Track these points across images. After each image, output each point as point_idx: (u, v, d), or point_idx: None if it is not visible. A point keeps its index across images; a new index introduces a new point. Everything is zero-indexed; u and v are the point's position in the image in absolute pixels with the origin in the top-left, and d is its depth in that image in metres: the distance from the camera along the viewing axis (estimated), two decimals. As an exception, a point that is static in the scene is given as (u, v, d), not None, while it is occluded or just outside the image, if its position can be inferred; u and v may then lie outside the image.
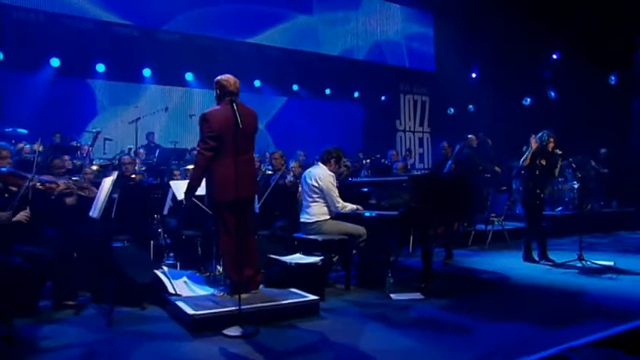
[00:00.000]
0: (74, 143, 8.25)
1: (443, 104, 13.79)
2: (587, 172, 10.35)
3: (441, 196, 5.08)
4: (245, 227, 4.24)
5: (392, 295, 4.76)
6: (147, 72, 10.57)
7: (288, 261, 4.73)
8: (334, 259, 5.42)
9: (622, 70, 11.81)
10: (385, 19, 13.42)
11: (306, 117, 12.21)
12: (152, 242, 5.87)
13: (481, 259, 6.85)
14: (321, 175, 5.21)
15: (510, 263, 6.47)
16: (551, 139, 6.29)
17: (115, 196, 4.47)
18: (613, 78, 11.92)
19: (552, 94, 12.81)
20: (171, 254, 6.21)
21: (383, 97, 13.60)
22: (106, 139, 9.17)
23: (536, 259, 6.46)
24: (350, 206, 5.20)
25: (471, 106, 13.59)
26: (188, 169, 6.36)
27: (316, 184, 5.18)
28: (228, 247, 4.18)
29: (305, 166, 9.37)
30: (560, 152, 6.41)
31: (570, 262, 6.17)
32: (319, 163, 5.39)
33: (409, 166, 13.38)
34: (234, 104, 3.88)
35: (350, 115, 13.30)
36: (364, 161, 10.80)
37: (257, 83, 11.85)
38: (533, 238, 6.53)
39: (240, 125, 3.77)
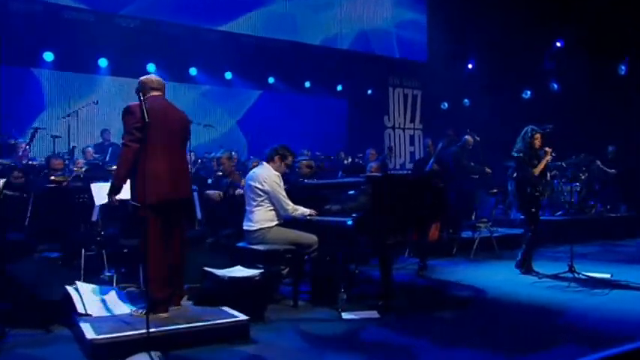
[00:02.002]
0: (11, 141, 7.95)
1: (436, 98, 13.49)
2: (592, 173, 10.08)
3: (403, 199, 4.77)
4: (172, 234, 4.04)
5: (343, 314, 4.46)
6: (103, 62, 10.26)
7: (221, 275, 4.42)
8: (284, 271, 5.10)
9: (633, 58, 11.54)
10: (373, 5, 13.06)
11: (283, 113, 11.92)
12: (84, 252, 5.56)
13: (462, 271, 6.57)
14: (265, 175, 4.93)
15: (493, 275, 6.18)
16: (537, 135, 5.97)
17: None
18: (623, 68, 11.66)
19: (555, 86, 12.52)
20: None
21: (369, 91, 13.28)
22: (53, 136, 8.87)
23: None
24: (301, 210, 4.91)
25: (466, 100, 13.30)
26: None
27: (260, 187, 4.88)
28: (151, 257, 3.94)
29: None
30: (549, 150, 6.09)
31: (561, 274, 5.85)
32: (263, 163, 5.15)
33: (398, 166, 13.18)
34: (141, 94, 3.73)
35: (332, 110, 12.99)
36: (345, 161, 10.58)
37: (228, 75, 11.57)
38: (534, 246, 6.24)
39: (147, 119, 3.56)
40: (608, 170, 10.22)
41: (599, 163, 10.15)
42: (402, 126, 13.73)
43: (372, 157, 8.76)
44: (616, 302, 4.78)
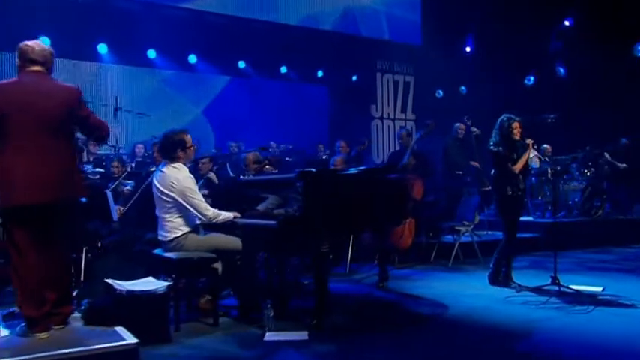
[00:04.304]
0: None
1: (430, 85, 13.07)
2: (599, 168, 9.66)
3: (346, 198, 4.38)
4: (47, 243, 3.63)
5: (267, 335, 4.08)
6: (46, 41, 9.82)
7: (119, 288, 4.04)
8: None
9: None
10: (360, -20, 12.72)
11: (254, 101, 11.49)
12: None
13: (433, 281, 6.18)
14: (174, 179, 4.39)
15: (466, 287, 5.79)
16: (515, 125, 5.54)
17: None
18: (639, 49, 11.31)
19: (561, 70, 12.26)
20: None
21: (354, 77, 12.88)
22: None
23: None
24: (224, 215, 4.50)
25: (463, 88, 12.92)
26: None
27: (169, 193, 4.37)
28: (16, 269, 3.58)
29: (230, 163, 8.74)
30: (530, 142, 5.66)
31: (544, 287, 5.44)
32: (167, 164, 4.55)
33: (386, 161, 12.76)
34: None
35: (312, 99, 12.54)
36: (324, 155, 10.21)
37: (192, 59, 11.14)
38: (512, 254, 5.85)
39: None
40: (619, 165, 9.76)
41: (607, 155, 9.71)
42: (391, 116, 13.31)
43: (343, 150, 8.36)
44: (596, 322, 4.34)
